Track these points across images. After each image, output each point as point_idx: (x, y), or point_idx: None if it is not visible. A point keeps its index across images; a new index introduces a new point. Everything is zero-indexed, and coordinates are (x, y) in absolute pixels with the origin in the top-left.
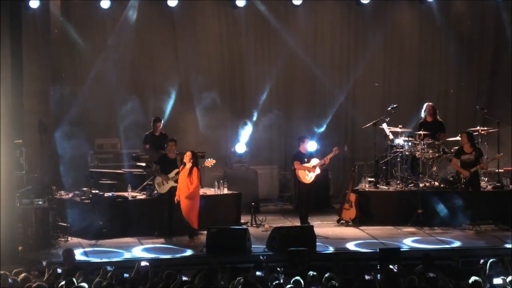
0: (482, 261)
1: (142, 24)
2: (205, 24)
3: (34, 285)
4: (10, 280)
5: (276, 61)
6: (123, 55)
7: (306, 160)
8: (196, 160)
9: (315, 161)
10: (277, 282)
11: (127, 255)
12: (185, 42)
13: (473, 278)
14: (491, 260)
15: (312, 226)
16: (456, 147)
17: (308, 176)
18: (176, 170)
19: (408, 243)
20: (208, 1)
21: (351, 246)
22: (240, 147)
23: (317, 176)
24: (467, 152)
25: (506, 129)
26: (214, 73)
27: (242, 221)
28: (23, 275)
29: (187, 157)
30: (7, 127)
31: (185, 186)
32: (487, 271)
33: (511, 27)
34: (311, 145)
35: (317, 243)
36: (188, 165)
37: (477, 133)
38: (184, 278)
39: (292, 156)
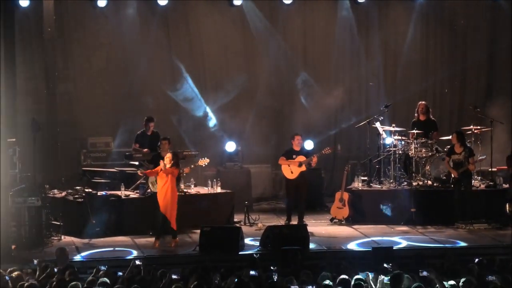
0: (476, 260)
1: (136, 23)
2: (198, 23)
3: (26, 284)
4: (7, 278)
5: (270, 60)
6: (117, 54)
7: (294, 157)
8: (177, 161)
9: (301, 158)
10: (270, 281)
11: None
12: (179, 41)
13: (465, 277)
14: (483, 259)
15: (306, 225)
16: (449, 146)
17: (291, 171)
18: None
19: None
20: (202, 0)
21: (344, 245)
22: (231, 146)
23: (301, 173)
24: (457, 152)
25: (499, 128)
26: (208, 72)
27: (235, 220)
28: (16, 273)
29: (167, 158)
30: (1, 125)
31: (168, 187)
32: (479, 270)
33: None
34: (301, 142)
35: (310, 242)
36: (169, 166)
37: (470, 132)
38: (174, 277)
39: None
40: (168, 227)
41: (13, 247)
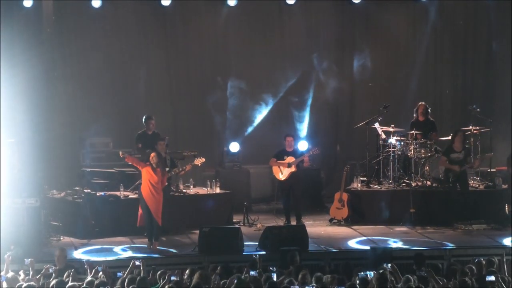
0: (476, 260)
1: (134, 24)
2: (196, 24)
3: (24, 285)
4: (3, 279)
5: (269, 61)
6: (116, 54)
7: (285, 157)
8: (161, 160)
9: (290, 159)
10: (270, 281)
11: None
12: (176, 42)
13: (464, 278)
14: (482, 259)
15: (304, 226)
16: (447, 146)
17: (281, 173)
18: (167, 169)
19: None
20: (201, 0)
21: (343, 245)
22: (234, 147)
23: (292, 174)
24: (457, 151)
25: (499, 129)
26: (206, 73)
27: (234, 220)
28: (10, 274)
29: (152, 158)
30: (1, 126)
31: (152, 186)
32: (479, 271)
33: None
34: (293, 143)
35: (309, 243)
36: (155, 165)
37: (469, 132)
38: (173, 278)
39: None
40: (156, 228)
41: (11, 247)
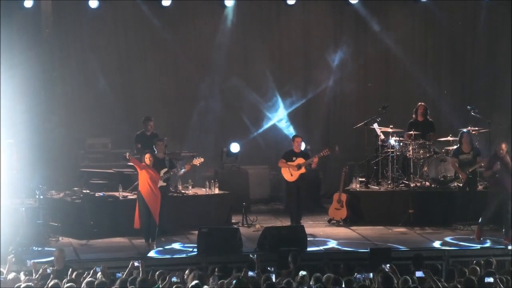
0: (475, 261)
1: (132, 24)
2: (195, 25)
3: (23, 285)
4: (1, 279)
5: (268, 61)
6: (114, 55)
7: (294, 158)
8: (156, 160)
9: (301, 160)
10: (269, 282)
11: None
12: (175, 43)
13: (463, 278)
14: (481, 260)
15: (303, 226)
16: (455, 147)
17: (291, 174)
18: (165, 170)
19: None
20: (200, 1)
21: (341, 245)
22: (235, 147)
23: (301, 175)
24: (465, 152)
25: (498, 129)
26: (205, 73)
27: (233, 221)
28: (12, 275)
29: (147, 158)
30: (0, 126)
31: (153, 186)
32: (477, 271)
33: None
34: (301, 144)
35: (307, 243)
36: (151, 165)
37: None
38: (173, 279)
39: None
40: (154, 228)
41: (10, 248)
